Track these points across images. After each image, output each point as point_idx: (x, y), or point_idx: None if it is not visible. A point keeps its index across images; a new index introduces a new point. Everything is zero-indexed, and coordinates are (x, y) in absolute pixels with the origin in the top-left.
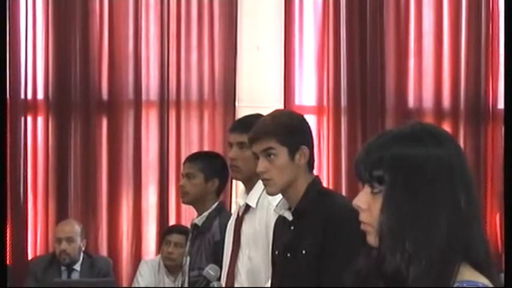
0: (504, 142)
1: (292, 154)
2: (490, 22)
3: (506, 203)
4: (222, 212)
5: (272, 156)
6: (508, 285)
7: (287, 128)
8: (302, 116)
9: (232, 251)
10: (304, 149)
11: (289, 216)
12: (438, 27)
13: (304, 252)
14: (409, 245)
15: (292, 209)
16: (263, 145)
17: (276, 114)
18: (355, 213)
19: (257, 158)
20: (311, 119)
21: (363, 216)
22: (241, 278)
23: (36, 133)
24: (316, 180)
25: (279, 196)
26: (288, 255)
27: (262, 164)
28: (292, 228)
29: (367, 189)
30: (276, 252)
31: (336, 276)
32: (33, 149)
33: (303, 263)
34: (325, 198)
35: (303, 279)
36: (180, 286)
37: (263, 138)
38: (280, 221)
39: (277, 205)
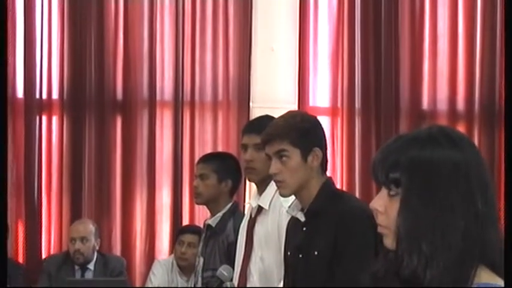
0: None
1: (305, 156)
2: (505, 24)
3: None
4: (236, 213)
5: (285, 158)
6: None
7: (300, 130)
8: (315, 118)
9: (245, 252)
10: (317, 150)
11: (301, 217)
12: (453, 29)
13: (316, 253)
14: (426, 248)
15: (305, 210)
16: (276, 147)
17: (288, 115)
18: (367, 214)
19: (270, 159)
20: (325, 120)
21: (380, 219)
22: (254, 279)
23: (50, 132)
24: (329, 182)
25: (292, 197)
26: (300, 256)
27: (275, 166)
28: (304, 229)
29: (384, 192)
30: (289, 253)
31: (348, 277)
32: (47, 148)
33: (315, 264)
34: (337, 199)
35: (315, 280)
36: (193, 286)
37: (276, 140)
38: (293, 222)
39: (289, 206)
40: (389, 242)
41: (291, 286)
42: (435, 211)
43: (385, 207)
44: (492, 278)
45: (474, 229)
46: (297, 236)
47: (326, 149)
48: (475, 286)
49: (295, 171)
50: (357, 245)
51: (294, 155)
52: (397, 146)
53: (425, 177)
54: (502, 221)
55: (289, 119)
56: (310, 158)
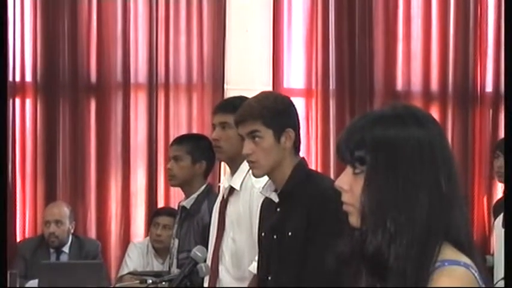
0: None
1: (277, 136)
2: (479, 5)
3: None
4: (210, 194)
5: (257, 139)
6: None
7: (272, 111)
8: (288, 99)
9: (217, 232)
10: (290, 131)
11: (275, 198)
12: (427, 11)
13: (290, 234)
14: (390, 225)
15: (278, 191)
16: (248, 127)
17: (262, 96)
18: (338, 195)
19: (243, 139)
20: (299, 102)
21: (345, 197)
22: (225, 260)
23: (24, 115)
24: (302, 163)
25: (263, 178)
26: (274, 237)
27: (247, 146)
28: (278, 210)
29: (349, 170)
30: (263, 234)
31: (321, 258)
32: (21, 131)
33: (288, 245)
34: (310, 180)
35: (289, 261)
36: (168, 268)
37: (248, 121)
38: (267, 202)
39: (263, 187)
40: (354, 219)
41: (266, 267)
42: (399, 188)
43: (350, 185)
44: (456, 255)
45: (438, 206)
46: (270, 217)
47: (299, 130)
48: (439, 263)
49: (268, 152)
50: (328, 226)
51: (267, 136)
52: (362, 124)
53: (390, 155)
54: (487, 199)
55: (262, 99)
56: (283, 139)
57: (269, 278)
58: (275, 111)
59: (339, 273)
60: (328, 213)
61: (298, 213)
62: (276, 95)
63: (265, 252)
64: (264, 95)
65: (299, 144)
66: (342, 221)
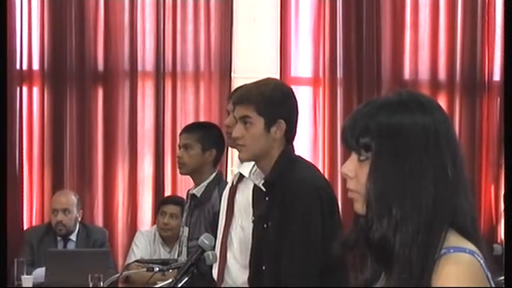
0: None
1: (268, 126)
2: None
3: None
4: (221, 182)
5: (248, 124)
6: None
7: (268, 99)
8: (289, 89)
9: (226, 219)
10: (281, 122)
11: (263, 187)
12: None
13: (269, 223)
14: (396, 212)
15: (264, 180)
16: (241, 112)
17: (261, 83)
18: (314, 186)
19: (237, 122)
20: (307, 91)
21: (350, 184)
22: (234, 247)
23: (31, 103)
24: (287, 151)
25: None
26: (265, 226)
27: (238, 130)
28: (266, 198)
29: (354, 157)
30: (254, 222)
31: (291, 249)
32: (28, 119)
33: (269, 234)
34: (291, 169)
35: (269, 250)
36: (176, 256)
37: (243, 105)
38: (257, 190)
39: (253, 173)
40: (359, 206)
41: (260, 256)
42: (405, 175)
43: (355, 172)
44: (461, 242)
45: (444, 193)
46: (260, 206)
47: (295, 121)
48: (445, 250)
49: (256, 139)
50: (300, 217)
51: (258, 123)
52: (367, 111)
53: (395, 141)
54: (495, 187)
55: (260, 86)
56: (273, 129)
57: (263, 267)
58: (270, 100)
59: (314, 263)
60: (299, 206)
61: (278, 202)
62: (277, 83)
63: (257, 241)
64: (265, 82)
65: (293, 135)
66: (315, 214)
